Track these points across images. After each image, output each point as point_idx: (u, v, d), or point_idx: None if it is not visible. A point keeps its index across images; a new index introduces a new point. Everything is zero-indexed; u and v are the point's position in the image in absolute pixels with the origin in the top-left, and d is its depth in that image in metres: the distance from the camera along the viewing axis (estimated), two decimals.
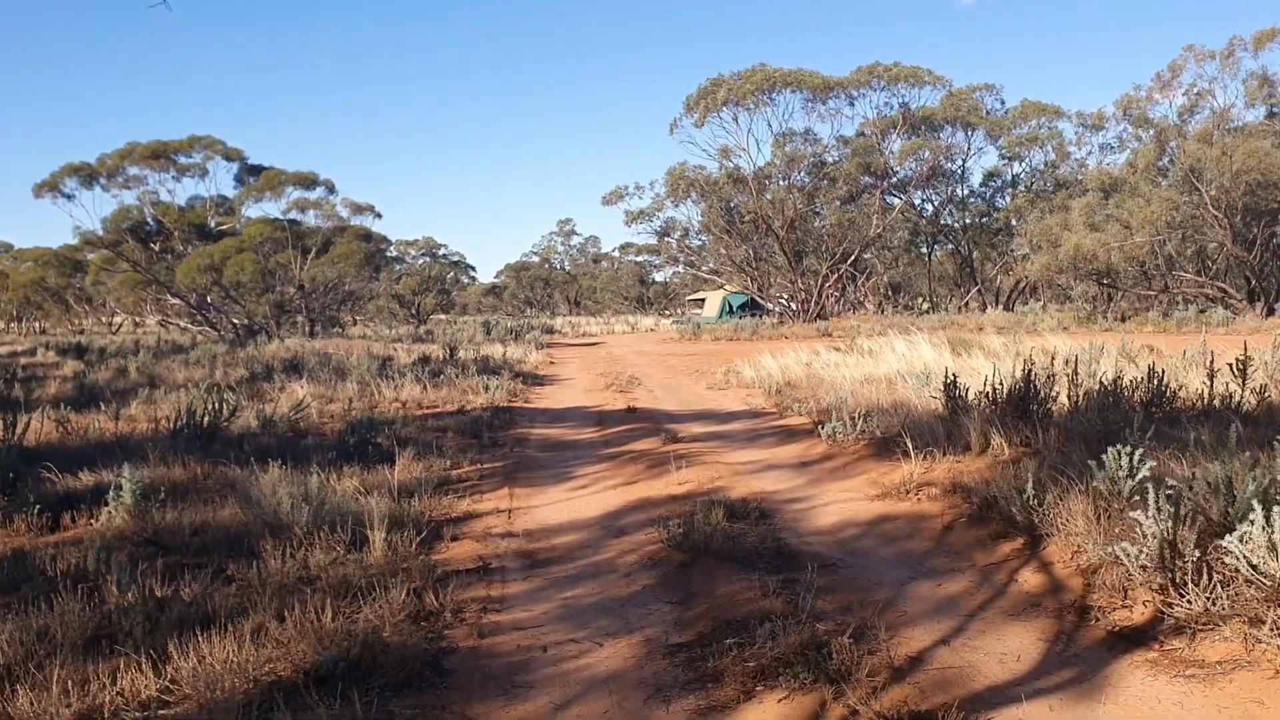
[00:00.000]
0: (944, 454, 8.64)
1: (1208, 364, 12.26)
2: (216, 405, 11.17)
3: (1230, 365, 9.47)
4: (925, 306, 52.87)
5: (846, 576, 5.86)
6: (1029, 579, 5.56)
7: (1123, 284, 36.92)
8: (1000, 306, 47.34)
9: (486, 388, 16.51)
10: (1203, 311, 32.62)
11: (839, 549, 6.55)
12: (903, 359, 19.18)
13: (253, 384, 18.60)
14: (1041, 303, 50.60)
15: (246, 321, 41.91)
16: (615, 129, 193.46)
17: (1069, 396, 9.88)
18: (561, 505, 8.34)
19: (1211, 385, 9.42)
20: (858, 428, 10.10)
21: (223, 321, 42.68)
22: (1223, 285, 35.26)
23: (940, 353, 19.91)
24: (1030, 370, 9.34)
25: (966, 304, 48.33)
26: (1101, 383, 10.22)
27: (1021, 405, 9.10)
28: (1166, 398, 9.85)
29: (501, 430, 12.85)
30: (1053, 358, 14.87)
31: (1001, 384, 9.57)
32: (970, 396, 10.04)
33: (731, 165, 43.37)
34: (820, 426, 10.98)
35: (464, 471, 9.82)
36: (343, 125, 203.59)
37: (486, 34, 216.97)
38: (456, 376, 17.79)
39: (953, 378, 9.89)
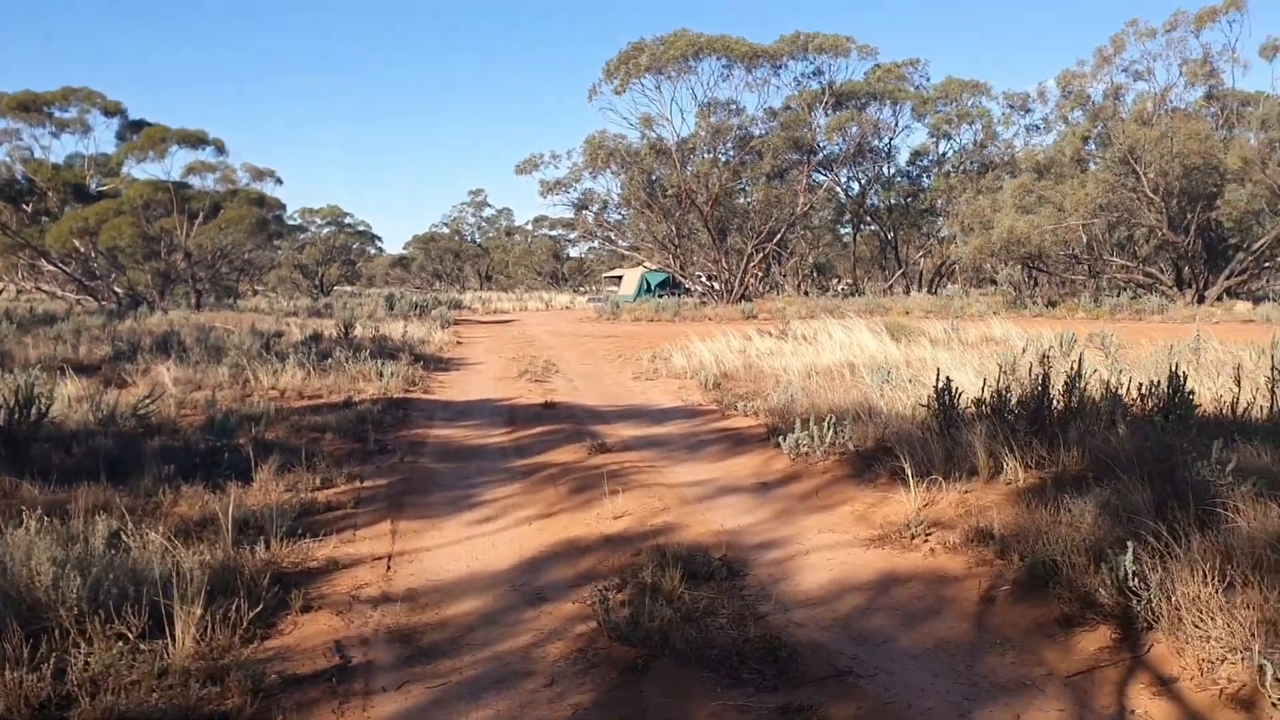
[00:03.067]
0: (945, 479, 6.85)
1: (1235, 366, 10.76)
2: (25, 397, 8.88)
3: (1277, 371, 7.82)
4: (842, 288, 51.67)
5: (875, 697, 3.99)
6: (1149, 708, 3.76)
7: (1053, 268, 35.93)
8: (924, 290, 46.33)
9: (380, 374, 14.36)
10: (1135, 298, 31.71)
11: (845, 635, 4.69)
12: (844, 347, 17.52)
13: (115, 364, 16.21)
14: (961, 286, 49.83)
15: (129, 290, 38.82)
16: (531, 96, 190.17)
17: (1066, 402, 8.18)
18: (460, 548, 6.35)
19: (1273, 393, 7.79)
20: (826, 440, 8.28)
21: (104, 290, 39.50)
22: (1152, 271, 34.46)
23: (882, 340, 18.34)
24: (1045, 374, 7.61)
25: (891, 287, 47.20)
26: (1109, 387, 8.60)
27: (1036, 417, 7.36)
28: (1187, 405, 8.23)
29: (393, 430, 10.77)
30: (1023, 351, 13.29)
31: (1006, 388, 7.84)
32: (963, 402, 8.28)
33: (654, 135, 41.34)
34: (776, 434, 9.15)
35: (338, 493, 7.75)
36: (244, 88, 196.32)
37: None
38: (348, 359, 15.57)
39: (946, 381, 8.10)
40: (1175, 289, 33.93)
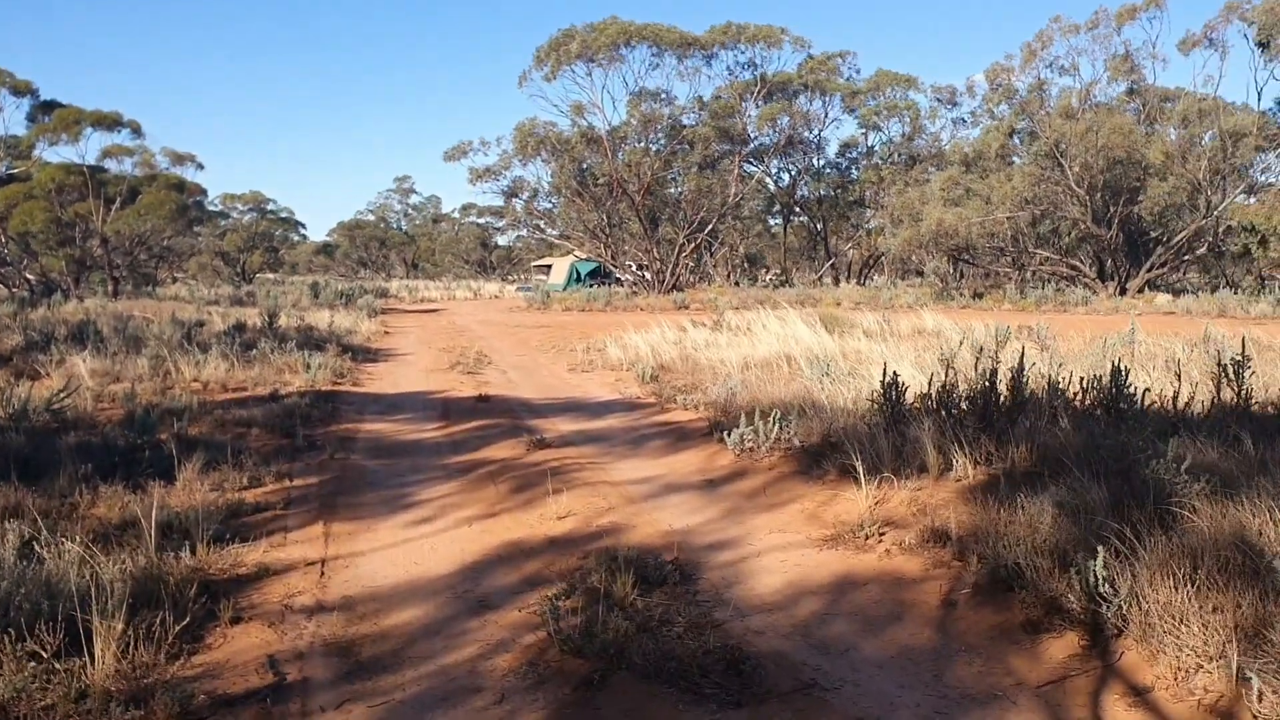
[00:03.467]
0: (896, 476, 6.73)
1: (1170, 360, 10.85)
2: None
3: (1225, 368, 7.83)
4: (770, 278, 51.81)
5: (844, 712, 3.82)
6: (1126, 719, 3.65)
7: (980, 260, 36.40)
8: (854, 281, 46.69)
9: (307, 366, 13.91)
10: (1060, 290, 32.21)
11: (807, 643, 4.52)
12: (780, 339, 17.49)
13: (27, 355, 15.53)
14: (888, 278, 50.36)
15: (42, 278, 37.55)
16: (460, 82, 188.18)
17: (1013, 397, 8.13)
18: (398, 552, 6.07)
19: (1218, 387, 7.79)
20: (772, 435, 8.12)
21: (15, 277, 38.15)
22: (1076, 263, 35.06)
23: (817, 332, 18.36)
24: (993, 369, 7.54)
25: (821, 278, 47.49)
26: (1050, 381, 8.59)
27: (985, 413, 7.28)
28: (1130, 400, 8.24)
29: (322, 425, 10.40)
30: (960, 344, 13.29)
31: (953, 383, 7.77)
32: (908, 397, 8.19)
33: (585, 123, 40.97)
34: (719, 429, 8.99)
35: (266, 492, 7.40)
36: (165, 72, 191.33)
37: None
38: (273, 350, 15.09)
39: (893, 377, 7.98)
40: (1097, 281, 34.53)
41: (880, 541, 5.78)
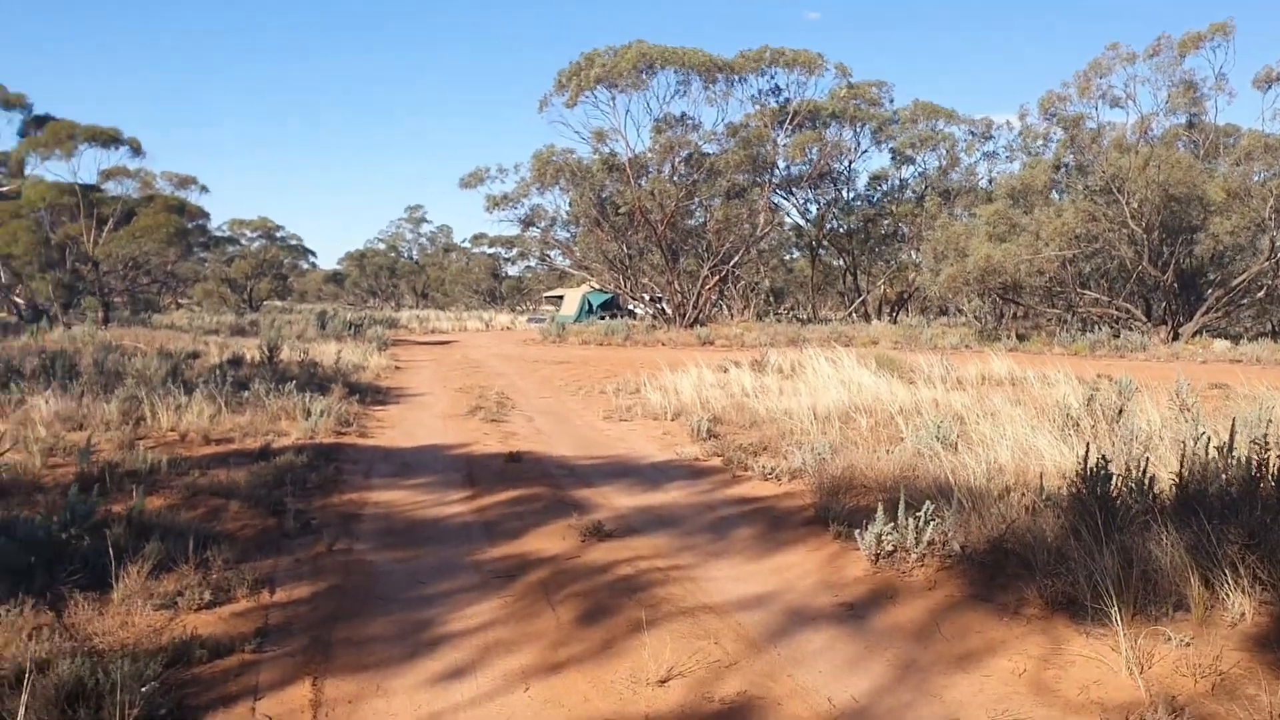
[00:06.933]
0: (1135, 614, 4.61)
1: None
2: None
3: None
4: (783, 311, 49.74)
5: None
6: None
7: (1027, 300, 34.28)
8: (885, 318, 44.64)
9: (308, 412, 11.84)
10: (1115, 335, 30.08)
11: None
12: (840, 385, 15.38)
13: None
14: (919, 316, 48.32)
15: (30, 302, 35.63)
16: (474, 112, 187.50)
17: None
18: None
19: None
20: (925, 537, 6.00)
21: (3, 302, 36.24)
22: (1128, 305, 32.93)
23: (880, 378, 16.24)
24: (1263, 452, 5.44)
25: (851, 314, 45.41)
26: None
27: (1260, 520, 5.17)
28: None
29: (320, 494, 8.29)
30: (1088, 401, 11.13)
31: (1194, 472, 5.66)
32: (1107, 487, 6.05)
33: (607, 150, 39.11)
34: (831, 517, 6.91)
35: (236, 614, 5.28)
36: (171, 95, 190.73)
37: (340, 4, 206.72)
38: (269, 392, 13.02)
39: (1102, 462, 5.84)
40: (1148, 324, 32.44)
41: None
